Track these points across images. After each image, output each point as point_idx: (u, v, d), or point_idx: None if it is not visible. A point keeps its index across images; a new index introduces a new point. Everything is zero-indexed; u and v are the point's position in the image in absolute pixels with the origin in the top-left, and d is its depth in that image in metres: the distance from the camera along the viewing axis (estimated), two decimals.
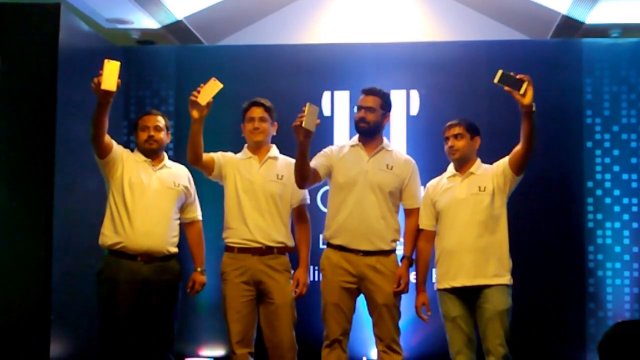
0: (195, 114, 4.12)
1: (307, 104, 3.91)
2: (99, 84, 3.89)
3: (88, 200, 5.03)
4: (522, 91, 3.90)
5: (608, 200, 5.71)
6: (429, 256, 4.32)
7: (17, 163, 4.95)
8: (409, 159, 4.48)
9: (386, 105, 4.42)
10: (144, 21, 6.28)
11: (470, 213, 4.17)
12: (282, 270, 4.35)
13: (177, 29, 6.46)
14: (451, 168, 4.33)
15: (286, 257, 4.40)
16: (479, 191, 4.17)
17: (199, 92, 4.09)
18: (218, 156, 4.41)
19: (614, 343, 2.72)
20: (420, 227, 4.34)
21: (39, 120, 4.97)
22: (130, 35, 6.56)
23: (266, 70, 5.99)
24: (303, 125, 3.90)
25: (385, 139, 4.46)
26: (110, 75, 3.89)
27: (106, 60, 3.88)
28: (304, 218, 4.50)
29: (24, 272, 4.87)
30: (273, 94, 4.65)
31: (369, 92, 4.39)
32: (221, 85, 4.09)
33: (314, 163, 4.28)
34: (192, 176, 4.54)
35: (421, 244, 4.34)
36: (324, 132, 5.67)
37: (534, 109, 3.96)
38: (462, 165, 4.26)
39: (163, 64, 6.15)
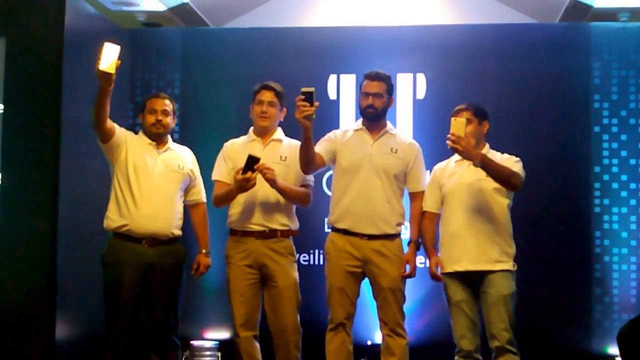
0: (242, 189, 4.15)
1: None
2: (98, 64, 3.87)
3: (94, 182, 5.03)
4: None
5: (615, 185, 5.67)
6: (434, 232, 4.30)
7: (23, 146, 4.94)
8: (413, 142, 4.47)
9: (391, 90, 4.40)
10: (150, 3, 6.25)
11: (475, 198, 4.15)
12: (286, 253, 4.35)
13: (183, 11, 6.44)
14: None
15: (290, 240, 4.40)
16: (486, 177, 4.15)
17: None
18: (229, 173, 4.36)
19: (633, 336, 2.83)
20: (424, 209, 4.33)
21: (44, 102, 4.96)
22: (136, 18, 6.53)
23: (272, 53, 5.96)
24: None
25: (389, 123, 4.45)
26: (109, 57, 3.87)
27: (105, 43, 3.86)
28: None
29: (30, 254, 4.87)
30: (279, 77, 4.62)
31: (374, 77, 4.36)
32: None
33: (318, 148, 4.27)
34: (197, 159, 4.54)
35: (425, 223, 4.33)
36: (330, 116, 5.65)
37: (474, 164, 4.02)
38: None
39: (169, 47, 6.12)
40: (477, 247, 4.12)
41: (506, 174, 4.08)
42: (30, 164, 4.94)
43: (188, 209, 4.53)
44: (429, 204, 4.32)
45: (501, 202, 4.19)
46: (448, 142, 3.95)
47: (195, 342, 5.72)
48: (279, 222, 4.33)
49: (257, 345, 4.35)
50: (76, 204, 5.08)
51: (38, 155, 4.94)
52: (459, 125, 3.99)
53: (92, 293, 4.67)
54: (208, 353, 5.69)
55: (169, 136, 4.47)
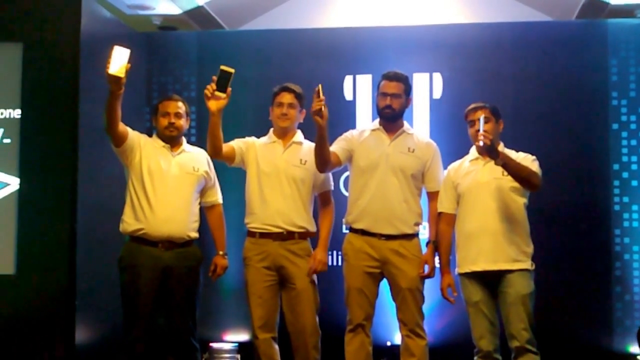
0: (212, 106, 4.10)
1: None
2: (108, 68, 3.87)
3: (112, 186, 5.04)
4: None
5: (634, 182, 5.64)
6: (451, 238, 4.28)
7: (40, 150, 4.97)
8: (430, 141, 4.45)
9: (409, 90, 4.38)
10: (165, 7, 6.29)
11: (491, 197, 4.13)
12: (304, 255, 4.33)
13: (198, 14, 6.47)
14: (473, 151, 4.28)
15: (308, 242, 4.39)
16: (502, 176, 4.12)
17: (213, 87, 4.06)
18: (239, 144, 4.39)
19: None
20: (440, 210, 4.30)
21: (61, 107, 4.99)
22: (152, 21, 6.57)
23: (287, 54, 5.98)
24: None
25: (406, 123, 4.43)
26: (118, 61, 3.84)
27: (115, 46, 3.86)
28: (328, 203, 4.47)
29: (49, 258, 4.90)
30: (294, 79, 4.61)
31: (393, 78, 4.34)
32: (233, 71, 4.02)
33: (334, 147, 4.27)
34: (213, 161, 4.54)
35: (442, 227, 4.30)
36: (346, 117, 5.65)
37: (496, 163, 3.99)
38: None
39: (185, 50, 6.15)
40: (495, 247, 4.09)
41: (526, 173, 4.05)
42: (48, 169, 4.97)
43: (204, 210, 4.52)
44: (445, 205, 4.30)
45: (518, 201, 4.16)
46: (481, 138, 3.92)
47: (214, 345, 5.73)
48: (297, 224, 4.32)
49: (276, 347, 4.34)
50: (94, 208, 5.10)
51: (56, 160, 4.97)
52: (486, 121, 4.00)
53: (111, 296, 4.68)
54: (227, 355, 5.71)
55: (183, 138, 4.46)
